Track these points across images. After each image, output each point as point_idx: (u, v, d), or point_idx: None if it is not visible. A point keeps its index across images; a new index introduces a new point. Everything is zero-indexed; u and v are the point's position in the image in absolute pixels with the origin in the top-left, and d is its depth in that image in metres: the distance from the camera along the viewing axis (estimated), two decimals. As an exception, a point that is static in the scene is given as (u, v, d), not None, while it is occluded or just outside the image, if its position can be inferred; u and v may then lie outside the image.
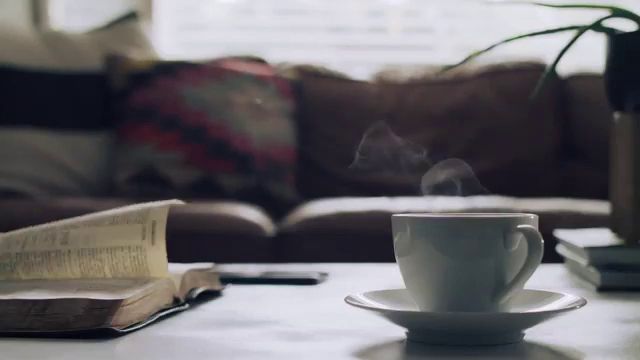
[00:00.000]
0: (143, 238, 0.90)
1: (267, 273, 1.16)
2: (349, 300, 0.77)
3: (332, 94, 2.71)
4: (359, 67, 2.84)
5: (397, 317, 0.74)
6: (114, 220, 0.92)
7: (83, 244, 0.91)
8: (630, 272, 1.05)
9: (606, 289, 1.04)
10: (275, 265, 1.32)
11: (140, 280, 0.87)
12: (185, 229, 2.07)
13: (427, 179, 0.82)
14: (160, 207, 0.91)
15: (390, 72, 2.77)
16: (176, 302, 0.89)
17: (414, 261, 0.75)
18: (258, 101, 2.50)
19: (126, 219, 0.91)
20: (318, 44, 3.09)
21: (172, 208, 0.91)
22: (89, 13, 3.05)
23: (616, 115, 1.16)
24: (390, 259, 0.82)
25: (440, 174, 0.81)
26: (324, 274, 1.17)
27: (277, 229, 2.22)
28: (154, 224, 0.90)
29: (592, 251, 1.06)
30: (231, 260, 1.58)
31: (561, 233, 1.22)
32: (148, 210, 0.91)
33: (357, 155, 0.85)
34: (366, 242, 2.09)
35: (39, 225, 0.94)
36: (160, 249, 0.89)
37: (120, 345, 0.74)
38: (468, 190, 0.82)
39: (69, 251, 0.91)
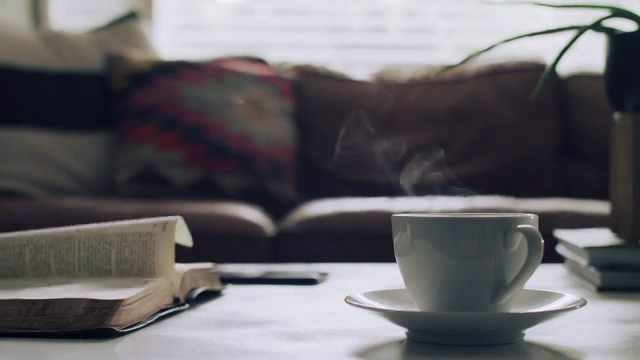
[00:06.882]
0: (154, 226, 0.91)
1: (267, 273, 1.17)
2: (349, 300, 0.77)
3: (332, 94, 2.71)
4: (359, 67, 2.84)
5: (397, 317, 0.74)
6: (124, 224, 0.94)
7: (94, 229, 0.93)
8: (630, 272, 1.05)
9: (606, 289, 1.04)
10: (275, 265, 1.32)
11: (140, 280, 0.87)
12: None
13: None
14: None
15: (390, 72, 2.77)
16: (176, 302, 0.89)
17: (414, 261, 0.75)
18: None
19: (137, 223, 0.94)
20: (318, 44, 3.09)
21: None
22: (89, 13, 3.05)
23: (616, 115, 1.16)
24: (390, 259, 0.82)
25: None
26: (324, 274, 1.17)
27: (277, 229, 2.22)
28: (166, 222, 0.92)
29: (592, 251, 1.06)
30: (231, 260, 1.58)
31: (561, 233, 1.22)
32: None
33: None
34: (366, 242, 2.09)
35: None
36: (169, 237, 0.90)
37: (120, 345, 0.74)
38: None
39: (78, 230, 0.93)
